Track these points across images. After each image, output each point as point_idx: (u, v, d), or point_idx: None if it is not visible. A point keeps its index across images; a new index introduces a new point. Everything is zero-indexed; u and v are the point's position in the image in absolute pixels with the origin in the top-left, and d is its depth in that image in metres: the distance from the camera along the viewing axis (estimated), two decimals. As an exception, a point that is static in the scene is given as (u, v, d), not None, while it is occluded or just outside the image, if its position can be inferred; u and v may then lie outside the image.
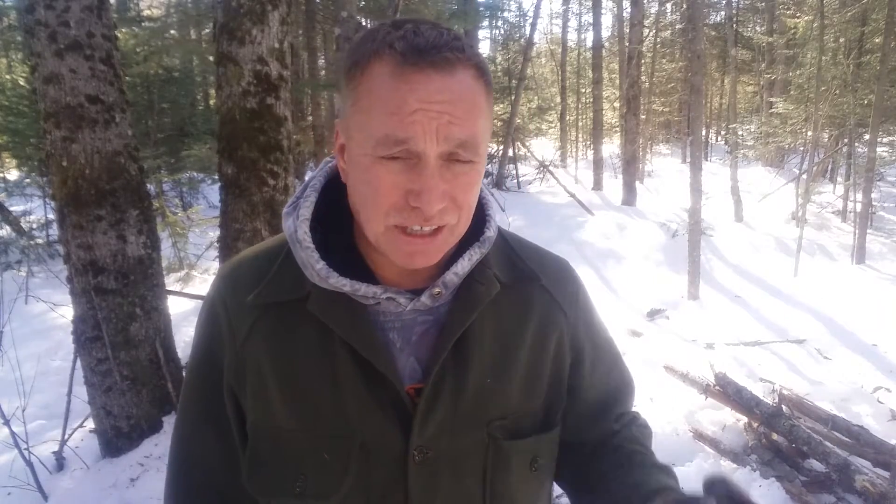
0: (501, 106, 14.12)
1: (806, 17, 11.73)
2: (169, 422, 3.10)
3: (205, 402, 0.77)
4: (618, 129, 17.70)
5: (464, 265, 0.71)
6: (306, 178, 0.78)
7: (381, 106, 0.61)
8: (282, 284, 0.72)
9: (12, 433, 2.76)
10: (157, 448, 2.97)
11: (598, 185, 13.66)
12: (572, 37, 22.17)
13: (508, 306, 0.75)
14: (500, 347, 0.73)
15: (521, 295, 0.76)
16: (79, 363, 3.00)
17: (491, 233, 0.74)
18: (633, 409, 0.92)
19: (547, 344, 0.77)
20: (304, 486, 0.69)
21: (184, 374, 3.16)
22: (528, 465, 0.74)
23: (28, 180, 8.11)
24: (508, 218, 9.16)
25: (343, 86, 0.67)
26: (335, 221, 0.75)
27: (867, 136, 9.36)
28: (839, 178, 12.62)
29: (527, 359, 0.75)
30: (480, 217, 0.74)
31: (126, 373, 2.96)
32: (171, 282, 5.77)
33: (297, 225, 0.71)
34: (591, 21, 16.05)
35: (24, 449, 2.75)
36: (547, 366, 0.77)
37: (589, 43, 18.81)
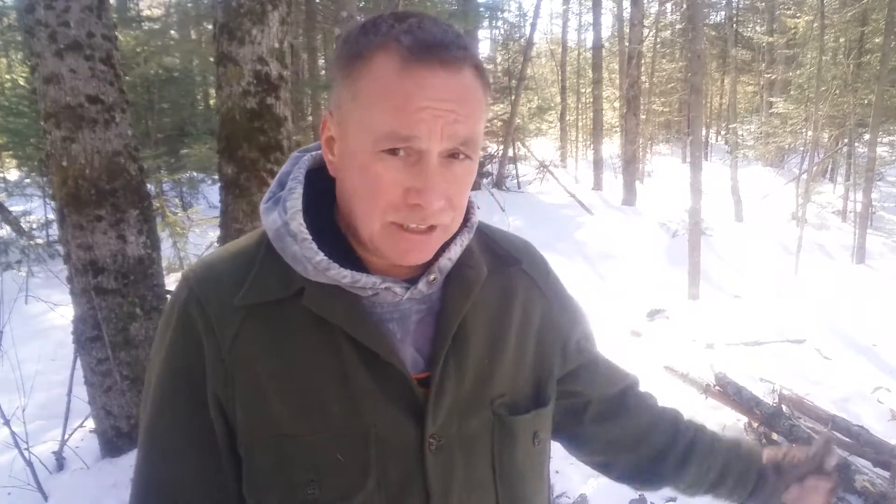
0: (501, 106, 14.10)
1: (806, 17, 11.72)
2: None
3: (183, 423, 0.68)
4: (618, 129, 17.70)
5: (456, 250, 0.72)
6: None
7: (386, 101, 0.60)
8: (268, 283, 0.68)
9: (12, 433, 2.76)
10: (157, 448, 2.97)
11: (597, 185, 13.67)
12: (572, 37, 22.20)
13: (493, 290, 0.77)
14: (491, 329, 0.75)
15: (503, 279, 0.79)
16: (79, 363, 3.00)
17: (477, 218, 0.77)
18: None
19: (530, 322, 0.80)
20: (317, 491, 0.66)
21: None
22: (531, 440, 0.77)
23: (28, 180, 8.12)
24: (508, 218, 9.16)
25: (339, 77, 0.65)
26: (316, 215, 0.72)
27: (867, 136, 9.37)
28: (839, 178, 12.64)
29: (514, 338, 0.77)
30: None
31: (126, 373, 2.96)
32: (171, 282, 5.75)
33: (288, 218, 0.68)
34: (591, 21, 16.07)
35: (24, 449, 2.75)
36: (530, 343, 0.79)
37: (589, 43, 18.80)
